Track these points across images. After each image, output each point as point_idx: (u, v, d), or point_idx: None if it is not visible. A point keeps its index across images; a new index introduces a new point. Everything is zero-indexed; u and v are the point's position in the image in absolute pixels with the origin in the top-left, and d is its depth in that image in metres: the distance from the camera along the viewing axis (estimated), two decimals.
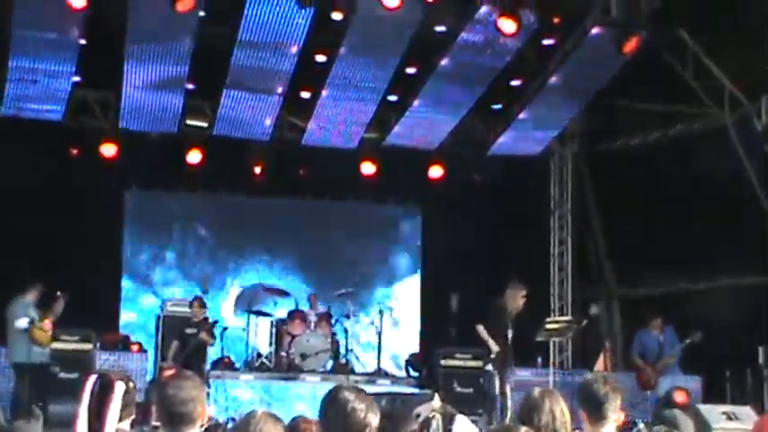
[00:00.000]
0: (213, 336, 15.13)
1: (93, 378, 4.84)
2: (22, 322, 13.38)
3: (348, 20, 14.76)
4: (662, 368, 15.53)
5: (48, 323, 13.55)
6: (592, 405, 5.45)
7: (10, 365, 13.98)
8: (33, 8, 14.02)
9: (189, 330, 14.81)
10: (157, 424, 4.59)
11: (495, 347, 13.63)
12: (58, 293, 13.95)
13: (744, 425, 11.24)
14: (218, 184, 19.20)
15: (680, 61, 16.39)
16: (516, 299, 13.75)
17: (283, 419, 5.30)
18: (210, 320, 15.29)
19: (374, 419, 4.66)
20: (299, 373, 16.06)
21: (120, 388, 4.89)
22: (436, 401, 12.75)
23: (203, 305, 15.30)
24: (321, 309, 17.31)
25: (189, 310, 15.65)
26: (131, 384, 5.10)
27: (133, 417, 5.22)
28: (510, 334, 13.70)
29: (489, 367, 13.88)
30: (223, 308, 18.89)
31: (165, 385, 4.57)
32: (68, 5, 13.52)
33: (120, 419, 4.96)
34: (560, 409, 5.43)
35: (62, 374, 13.98)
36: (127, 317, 18.85)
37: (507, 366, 13.82)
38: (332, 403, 4.69)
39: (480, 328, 13.71)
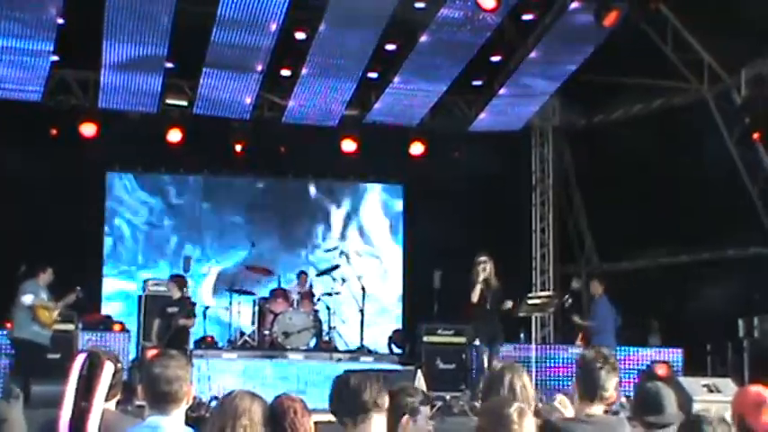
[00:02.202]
0: (194, 316, 15.04)
1: (82, 356, 4.81)
2: (28, 298, 13.35)
3: None
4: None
5: (58, 304, 13.52)
6: (587, 383, 5.43)
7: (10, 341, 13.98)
8: None
9: (170, 309, 14.72)
10: (143, 403, 4.59)
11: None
12: (77, 288, 13.95)
13: (725, 397, 11.28)
14: (199, 162, 19.18)
15: (660, 35, 16.41)
16: (477, 269, 13.64)
17: (267, 397, 5.32)
18: (190, 299, 15.24)
19: (383, 400, 4.69)
20: (281, 351, 16.05)
21: (109, 368, 4.87)
22: (419, 379, 12.85)
23: (182, 284, 15.19)
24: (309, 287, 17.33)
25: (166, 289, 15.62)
26: (119, 365, 5.09)
27: (118, 398, 5.21)
28: (488, 305, 13.64)
29: (477, 342, 13.88)
30: (204, 287, 18.89)
31: (151, 365, 4.57)
32: None
33: (107, 399, 4.95)
34: (521, 385, 5.35)
35: (46, 355, 14.02)
36: (108, 297, 18.84)
37: (496, 341, 13.81)
38: (340, 389, 4.72)
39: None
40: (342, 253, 17.91)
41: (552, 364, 16.49)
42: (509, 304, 13.87)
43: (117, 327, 17.01)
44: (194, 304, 15.21)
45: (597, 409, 5.42)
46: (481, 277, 13.57)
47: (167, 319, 14.64)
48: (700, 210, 16.04)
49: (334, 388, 4.82)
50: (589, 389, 5.42)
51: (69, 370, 4.79)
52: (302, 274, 17.49)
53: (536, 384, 13.83)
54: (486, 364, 13.35)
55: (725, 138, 16.36)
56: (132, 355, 16.01)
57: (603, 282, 15.42)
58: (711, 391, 11.75)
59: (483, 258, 13.67)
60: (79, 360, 4.80)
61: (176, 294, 14.92)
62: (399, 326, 19.09)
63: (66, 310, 14.02)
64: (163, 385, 4.46)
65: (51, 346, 13.84)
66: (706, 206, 15.97)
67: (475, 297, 13.57)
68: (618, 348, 16.02)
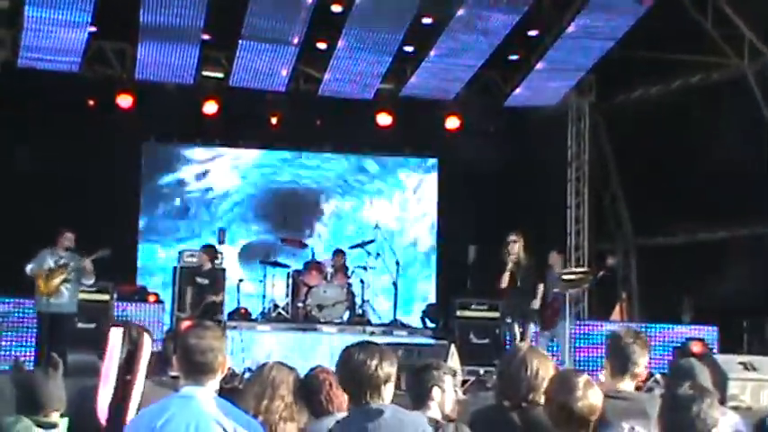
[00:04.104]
0: (222, 290, 15.02)
1: (118, 330, 4.80)
2: (27, 268, 13.34)
3: None
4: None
5: (59, 273, 13.40)
6: (618, 358, 5.42)
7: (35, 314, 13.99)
8: None
9: (199, 280, 14.72)
10: (177, 374, 4.59)
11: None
12: (107, 249, 13.83)
13: (762, 374, 11.22)
14: (234, 134, 19.21)
15: (699, 10, 16.25)
16: (506, 247, 13.55)
17: (301, 370, 5.34)
18: (222, 271, 15.26)
19: (389, 368, 4.68)
20: (315, 323, 16.09)
21: (148, 341, 4.88)
22: (453, 353, 12.86)
23: (213, 255, 15.18)
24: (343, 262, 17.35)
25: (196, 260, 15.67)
26: (151, 338, 5.10)
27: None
28: (519, 283, 13.57)
29: (509, 319, 13.85)
30: (238, 259, 18.97)
31: (186, 335, 4.56)
32: None
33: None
34: (543, 375, 5.16)
35: (80, 324, 14.10)
36: (144, 267, 18.95)
37: (528, 318, 13.74)
38: (342, 364, 4.72)
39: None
40: (377, 227, 17.90)
41: (586, 342, 16.43)
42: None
43: (152, 298, 17.12)
44: (224, 277, 15.21)
45: (628, 386, 5.41)
46: (510, 258, 13.52)
47: (198, 290, 14.66)
48: (737, 186, 15.91)
49: (341, 362, 4.76)
50: (620, 364, 5.42)
51: (106, 345, 4.77)
52: (339, 253, 17.43)
53: (570, 361, 13.88)
54: (518, 341, 13.30)
55: (764, 113, 16.21)
56: (167, 326, 16.09)
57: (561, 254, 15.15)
58: (747, 369, 11.64)
59: (512, 238, 13.57)
60: (117, 334, 4.79)
61: (207, 265, 14.91)
62: (433, 300, 19.09)
63: (91, 269, 13.74)
64: (197, 356, 4.46)
65: (85, 317, 13.92)
66: (744, 182, 15.84)
67: (504, 282, 13.54)
68: (648, 326, 16.03)
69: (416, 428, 4.66)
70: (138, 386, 4.87)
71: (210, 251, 15.27)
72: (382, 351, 4.72)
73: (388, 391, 4.67)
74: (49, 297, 13.29)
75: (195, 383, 4.45)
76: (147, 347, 4.87)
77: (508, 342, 14.34)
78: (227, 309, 16.11)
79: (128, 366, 4.79)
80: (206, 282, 14.66)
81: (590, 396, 4.66)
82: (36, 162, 16.62)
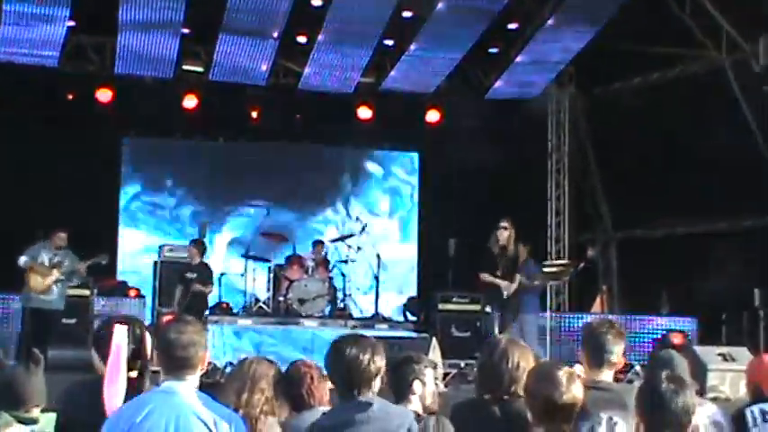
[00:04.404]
0: (211, 283, 15.05)
1: (123, 327, 4.76)
2: (21, 260, 13.32)
3: None
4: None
5: (53, 271, 13.40)
6: (594, 349, 5.43)
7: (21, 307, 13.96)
8: None
9: (188, 275, 14.74)
10: (157, 369, 4.59)
11: (505, 284, 13.28)
12: (105, 255, 13.97)
13: (740, 365, 11.26)
14: (214, 129, 19.17)
15: (678, 2, 16.29)
16: (495, 236, 13.20)
17: (282, 364, 5.34)
18: (208, 266, 15.26)
19: (381, 362, 4.70)
20: (297, 317, 16.09)
21: (149, 337, 4.87)
22: (434, 347, 12.87)
23: (202, 249, 15.20)
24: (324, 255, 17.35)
25: (186, 255, 15.64)
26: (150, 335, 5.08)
27: None
28: (500, 272, 13.27)
29: (489, 309, 13.72)
30: (219, 253, 18.92)
31: (166, 330, 4.56)
32: None
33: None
34: (524, 366, 5.16)
35: (62, 320, 14.06)
36: (124, 262, 18.90)
37: (508, 309, 13.41)
38: (334, 357, 4.73)
39: (484, 276, 13.38)
40: (357, 219, 17.88)
41: (567, 333, 16.48)
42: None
43: (132, 293, 17.09)
44: (212, 271, 15.22)
45: (606, 376, 5.42)
46: (499, 244, 13.28)
47: (187, 285, 14.67)
48: (716, 179, 15.97)
49: (332, 355, 4.80)
50: (595, 355, 5.42)
51: (109, 342, 4.73)
52: (318, 243, 17.45)
53: (551, 353, 13.91)
54: (497, 332, 13.11)
55: (743, 106, 16.26)
56: (148, 322, 16.05)
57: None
58: (726, 360, 11.72)
59: (504, 224, 13.20)
60: (122, 331, 4.75)
61: (196, 260, 14.93)
62: (414, 293, 19.11)
63: (84, 272, 13.89)
64: (178, 350, 4.45)
65: (66, 312, 13.89)
66: (722, 175, 15.90)
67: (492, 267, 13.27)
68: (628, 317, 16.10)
69: (403, 421, 4.70)
70: (147, 381, 4.87)
71: (200, 245, 15.27)
72: (374, 345, 4.75)
73: (376, 384, 4.70)
74: (39, 294, 13.30)
75: (176, 378, 4.45)
76: (149, 342, 4.86)
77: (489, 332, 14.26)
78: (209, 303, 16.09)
79: (134, 363, 4.78)
80: (195, 276, 14.67)
81: (573, 389, 4.67)
82: (14, 158, 16.53)
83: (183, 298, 14.59)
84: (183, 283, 14.71)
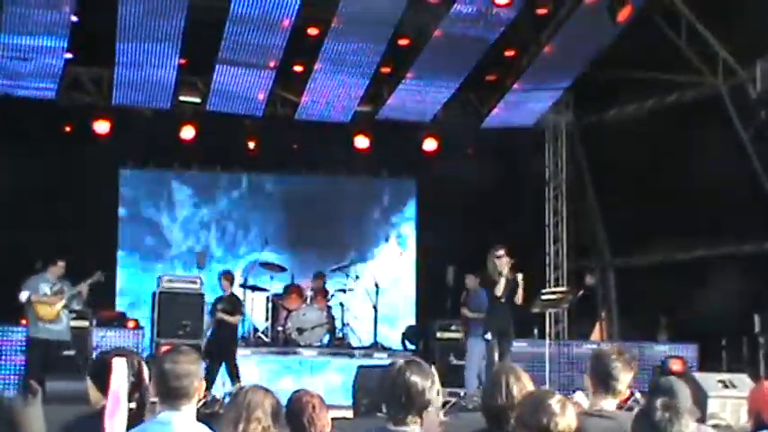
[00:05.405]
0: (240, 313, 15.25)
1: (122, 359, 4.74)
2: (23, 296, 13.34)
3: None
4: None
5: (58, 299, 13.42)
6: (601, 378, 5.41)
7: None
8: None
9: (220, 306, 14.85)
10: (154, 399, 4.57)
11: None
12: (99, 272, 13.99)
13: (740, 392, 11.22)
14: (211, 159, 19.18)
15: (673, 28, 16.34)
16: (492, 263, 13.19)
17: (282, 394, 5.31)
18: (237, 297, 15.35)
19: (436, 396, 4.64)
20: (295, 347, 16.07)
21: (146, 369, 4.86)
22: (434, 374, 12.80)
23: (231, 279, 15.32)
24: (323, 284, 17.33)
25: (193, 286, 15.93)
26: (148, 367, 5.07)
27: None
28: (503, 299, 13.23)
29: (488, 336, 13.65)
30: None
31: (162, 360, 4.55)
32: None
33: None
34: (520, 387, 5.08)
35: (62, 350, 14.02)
36: (123, 293, 18.86)
37: (506, 335, 13.36)
38: (392, 379, 4.65)
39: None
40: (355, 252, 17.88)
41: (566, 361, 16.42)
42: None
43: (131, 323, 17.02)
44: (241, 302, 15.39)
45: (610, 404, 5.40)
46: (505, 270, 13.29)
47: (215, 315, 14.98)
48: (714, 205, 15.97)
49: (390, 376, 4.68)
50: (602, 382, 5.40)
51: (109, 375, 4.71)
52: (319, 275, 17.44)
53: (550, 381, 13.85)
54: (496, 360, 13.07)
55: (740, 132, 16.28)
56: (146, 353, 16.00)
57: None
58: (727, 387, 11.67)
59: (501, 252, 13.20)
60: (121, 364, 4.73)
61: (228, 291, 15.12)
62: (413, 322, 19.06)
63: (86, 294, 13.88)
64: (173, 381, 4.45)
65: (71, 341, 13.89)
66: (720, 201, 15.90)
67: (500, 291, 13.28)
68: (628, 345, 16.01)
69: None
70: (145, 414, 4.85)
71: (229, 276, 15.43)
72: (434, 375, 4.67)
73: (429, 413, 4.64)
74: (49, 323, 13.33)
75: (171, 408, 4.44)
76: (147, 374, 4.86)
77: (487, 360, 14.16)
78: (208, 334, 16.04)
79: (133, 394, 4.77)
80: (225, 306, 14.89)
81: (567, 417, 4.60)
82: (12, 189, 16.52)
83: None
84: (212, 314, 14.83)
